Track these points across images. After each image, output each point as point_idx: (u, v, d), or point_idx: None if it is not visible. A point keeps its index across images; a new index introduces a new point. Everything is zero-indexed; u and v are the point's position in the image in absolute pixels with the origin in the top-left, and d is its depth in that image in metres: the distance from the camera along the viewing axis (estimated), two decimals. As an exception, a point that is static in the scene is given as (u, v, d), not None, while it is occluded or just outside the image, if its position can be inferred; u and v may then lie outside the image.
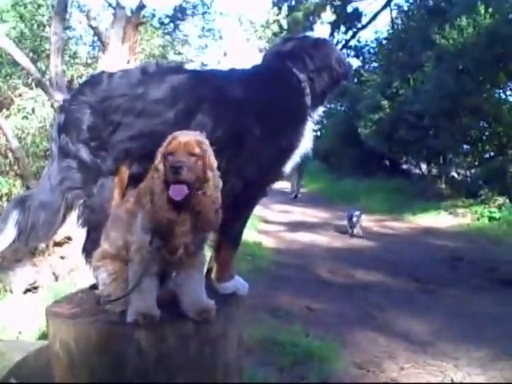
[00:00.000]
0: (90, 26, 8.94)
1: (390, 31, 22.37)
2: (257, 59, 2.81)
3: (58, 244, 6.50)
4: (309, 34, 3.11)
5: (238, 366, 2.20)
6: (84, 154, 2.31)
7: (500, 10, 11.63)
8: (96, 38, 11.22)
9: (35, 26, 12.48)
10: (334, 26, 27.62)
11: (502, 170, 12.26)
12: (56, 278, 6.08)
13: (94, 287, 2.16)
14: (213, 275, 2.38)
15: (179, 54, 15.20)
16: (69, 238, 6.40)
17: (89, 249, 2.40)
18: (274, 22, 16.98)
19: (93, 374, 1.90)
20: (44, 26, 12.26)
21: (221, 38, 17.21)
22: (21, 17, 12.51)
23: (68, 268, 6.10)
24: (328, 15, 21.94)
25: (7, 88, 10.84)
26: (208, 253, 2.30)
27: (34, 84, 9.60)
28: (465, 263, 7.68)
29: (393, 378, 3.96)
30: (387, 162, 21.30)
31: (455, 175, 15.58)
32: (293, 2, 25.82)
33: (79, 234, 2.54)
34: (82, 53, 13.84)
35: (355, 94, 20.22)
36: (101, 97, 2.34)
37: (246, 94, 2.43)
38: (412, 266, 7.59)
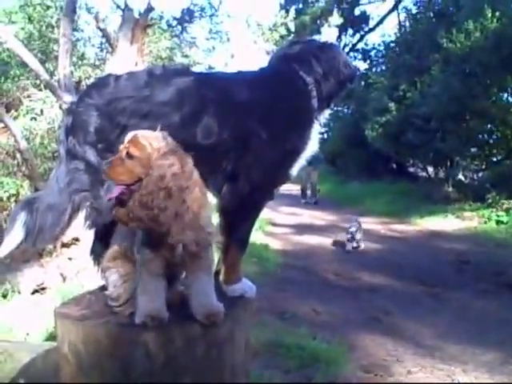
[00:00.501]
0: (99, 27, 8.98)
1: (398, 34, 22.35)
2: (264, 62, 2.82)
3: (65, 245, 6.52)
4: (316, 37, 3.13)
5: (244, 369, 2.19)
6: (91, 156, 2.32)
7: (507, 13, 11.59)
8: (104, 40, 11.26)
9: (44, 28, 12.52)
10: (342, 29, 27.72)
11: (509, 173, 12.23)
12: (64, 279, 6.09)
13: (103, 288, 2.17)
14: (220, 277, 2.38)
15: (186, 56, 15.22)
16: (76, 240, 6.42)
17: (97, 251, 2.42)
18: (282, 24, 16.97)
19: (101, 376, 1.90)
20: (52, 28, 12.29)
21: (228, 40, 17.20)
22: (29, 18, 12.57)
23: (76, 269, 6.11)
24: (335, 18, 21.92)
25: (16, 89, 10.90)
26: (216, 255, 2.30)
27: (42, 85, 9.64)
28: (471, 267, 7.66)
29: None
30: (394, 165, 21.30)
31: (462, 178, 15.56)
32: (300, 5, 25.86)
33: (87, 236, 2.54)
34: (90, 54, 13.89)
35: (362, 96, 20.24)
36: (107, 99, 2.34)
37: (252, 97, 2.43)
38: (418, 269, 7.58)
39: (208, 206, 1.94)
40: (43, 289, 5.85)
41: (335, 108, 20.69)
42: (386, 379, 3.99)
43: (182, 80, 2.41)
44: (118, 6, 10.32)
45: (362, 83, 21.50)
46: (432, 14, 17.90)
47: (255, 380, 3.29)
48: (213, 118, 2.33)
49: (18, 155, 8.66)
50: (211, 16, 16.49)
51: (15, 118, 9.75)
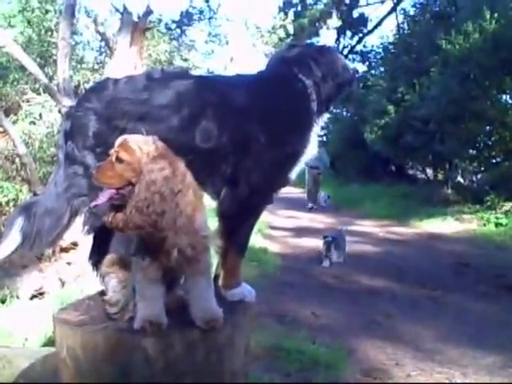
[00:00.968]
0: (98, 31, 9.01)
1: (396, 36, 22.39)
2: (263, 64, 2.82)
3: (64, 250, 6.52)
4: (315, 39, 3.13)
5: (244, 373, 2.19)
6: (90, 160, 2.31)
7: (505, 15, 11.61)
8: (103, 44, 11.29)
9: (43, 32, 12.56)
10: (340, 31, 27.76)
11: (508, 175, 12.25)
12: (62, 284, 6.08)
13: (102, 294, 2.16)
14: (220, 282, 2.38)
15: (185, 59, 15.24)
16: (75, 244, 6.41)
17: (95, 256, 2.41)
18: (281, 27, 17.01)
19: (100, 382, 1.89)
20: (51, 32, 12.33)
21: (227, 43, 17.26)
22: (28, 22, 12.60)
23: (74, 274, 6.10)
24: (334, 21, 21.97)
25: (15, 93, 10.91)
26: (215, 259, 2.30)
27: (41, 89, 9.65)
28: (471, 269, 7.66)
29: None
30: (393, 167, 21.33)
31: (461, 180, 15.58)
32: (299, 8, 25.89)
33: (86, 241, 2.54)
34: (90, 58, 13.95)
35: (361, 99, 20.26)
36: (106, 103, 2.34)
37: (251, 100, 2.43)
38: (418, 272, 7.58)
39: (203, 210, 1.93)
40: (42, 294, 5.83)
41: (334, 110, 20.73)
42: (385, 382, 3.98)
43: (180, 83, 2.40)
44: (117, 10, 10.32)
45: (361, 86, 21.53)
46: (430, 16, 17.92)
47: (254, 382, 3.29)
48: (212, 122, 2.33)
49: (17, 159, 8.67)
50: (210, 19, 16.57)
51: (14, 122, 9.76)
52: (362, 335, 5.02)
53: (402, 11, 24.12)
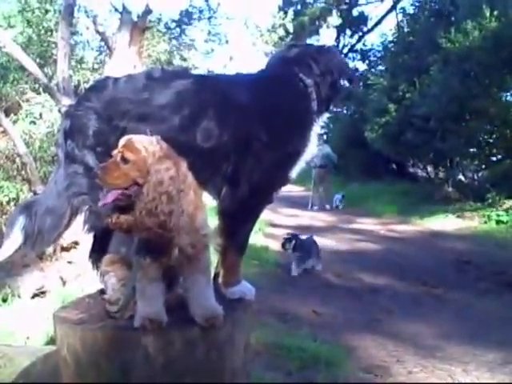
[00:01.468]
0: (97, 31, 9.00)
1: (396, 35, 22.35)
2: (263, 63, 2.82)
3: (65, 249, 6.52)
4: (314, 38, 3.14)
5: (245, 371, 2.19)
6: (90, 159, 2.31)
7: (505, 13, 11.58)
8: (103, 43, 11.29)
9: (42, 32, 12.57)
10: (340, 29, 27.73)
11: (509, 172, 12.24)
12: (63, 283, 6.09)
13: (102, 292, 2.16)
14: (220, 280, 2.38)
15: (185, 59, 15.24)
16: (76, 243, 6.42)
17: (95, 254, 2.41)
18: (280, 26, 17.01)
19: (100, 379, 1.90)
20: (51, 32, 12.34)
21: (227, 42, 17.25)
22: (28, 22, 12.60)
23: (75, 273, 6.10)
24: (334, 19, 21.98)
25: (15, 93, 10.91)
26: (215, 257, 2.30)
27: (41, 89, 9.65)
28: (472, 266, 7.66)
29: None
30: (394, 166, 21.30)
31: (462, 178, 15.57)
32: (299, 6, 25.87)
33: (86, 239, 2.54)
34: (89, 58, 13.93)
35: (361, 97, 20.21)
36: (106, 102, 2.33)
37: (252, 99, 2.43)
38: (419, 270, 7.57)
39: (203, 208, 1.93)
40: (43, 293, 5.84)
41: (335, 109, 20.69)
42: (386, 380, 3.98)
43: (180, 83, 2.40)
44: (116, 9, 10.34)
45: (361, 84, 21.51)
46: (430, 14, 17.88)
47: (256, 381, 3.29)
48: (212, 121, 2.33)
49: (18, 159, 8.68)
50: (209, 18, 16.54)
51: (14, 121, 9.76)
52: (363, 332, 5.02)
53: (402, 10, 24.13)
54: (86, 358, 1.92)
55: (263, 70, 2.72)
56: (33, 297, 5.77)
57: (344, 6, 25.54)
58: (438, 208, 13.10)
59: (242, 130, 2.36)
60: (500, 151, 13.79)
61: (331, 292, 6.49)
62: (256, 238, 8.01)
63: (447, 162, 15.76)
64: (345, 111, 26.52)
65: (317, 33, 24.76)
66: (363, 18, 28.85)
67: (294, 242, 7.34)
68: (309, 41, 22.51)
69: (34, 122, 10.29)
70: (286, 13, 18.44)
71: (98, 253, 2.38)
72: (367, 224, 12.73)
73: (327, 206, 16.11)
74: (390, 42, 22.79)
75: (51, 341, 3.99)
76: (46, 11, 12.70)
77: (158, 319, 1.86)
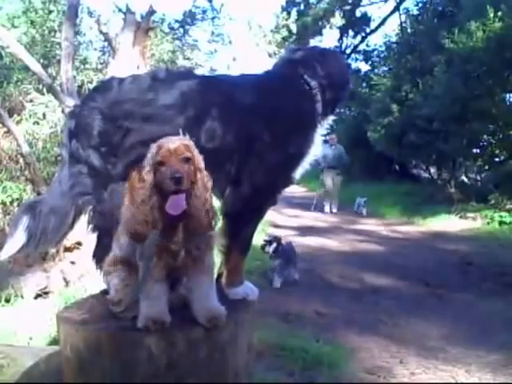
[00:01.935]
0: (101, 31, 9.01)
1: (399, 35, 22.35)
2: (266, 64, 2.83)
3: (68, 249, 6.52)
4: (318, 38, 3.15)
5: (247, 371, 2.19)
6: (94, 159, 2.32)
7: (509, 14, 11.54)
8: (106, 44, 11.30)
9: (46, 32, 12.57)
10: (343, 30, 27.73)
11: (512, 173, 12.22)
12: (67, 284, 6.08)
13: (105, 292, 2.17)
14: (222, 280, 2.38)
15: (188, 59, 15.24)
16: (79, 244, 6.42)
17: (99, 254, 2.41)
18: (284, 26, 17.01)
19: (103, 380, 1.90)
20: (55, 32, 12.34)
21: (230, 42, 17.24)
22: (32, 22, 12.61)
23: (78, 273, 6.10)
24: (337, 20, 21.97)
25: (18, 93, 10.91)
26: (218, 258, 2.30)
27: (44, 89, 9.64)
28: (475, 267, 7.64)
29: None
30: (397, 166, 21.30)
31: (465, 179, 15.55)
32: (302, 7, 25.87)
33: (89, 240, 2.54)
34: (93, 58, 13.92)
35: (365, 98, 20.24)
36: (111, 102, 2.34)
37: (256, 100, 2.44)
38: (422, 271, 7.56)
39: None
40: (46, 293, 5.84)
41: (338, 110, 20.68)
42: (389, 381, 3.98)
43: (185, 83, 2.41)
44: (120, 10, 10.33)
45: (364, 85, 21.50)
46: (433, 15, 17.87)
47: (258, 382, 3.29)
48: (217, 121, 2.34)
49: (21, 159, 8.67)
50: (213, 18, 16.53)
51: (18, 122, 9.75)
52: (366, 333, 5.01)
53: (405, 10, 24.13)
54: (89, 358, 1.92)
55: (268, 70, 2.72)
56: (36, 297, 5.77)
57: (347, 7, 25.54)
58: (441, 209, 13.09)
59: (245, 131, 2.37)
60: (503, 152, 13.76)
61: (334, 293, 6.48)
62: (259, 239, 8.00)
63: (450, 163, 15.74)
64: (348, 112, 26.54)
65: (320, 33, 24.76)
66: (366, 19, 28.85)
67: (274, 245, 6.85)
68: (312, 41, 22.56)
69: (38, 123, 10.28)
70: (289, 13, 18.46)
71: (101, 253, 2.38)
72: (370, 225, 12.73)
73: (333, 209, 15.47)
74: (393, 42, 22.84)
75: (54, 341, 3.99)
76: (50, 12, 12.71)
77: (162, 320, 1.86)
